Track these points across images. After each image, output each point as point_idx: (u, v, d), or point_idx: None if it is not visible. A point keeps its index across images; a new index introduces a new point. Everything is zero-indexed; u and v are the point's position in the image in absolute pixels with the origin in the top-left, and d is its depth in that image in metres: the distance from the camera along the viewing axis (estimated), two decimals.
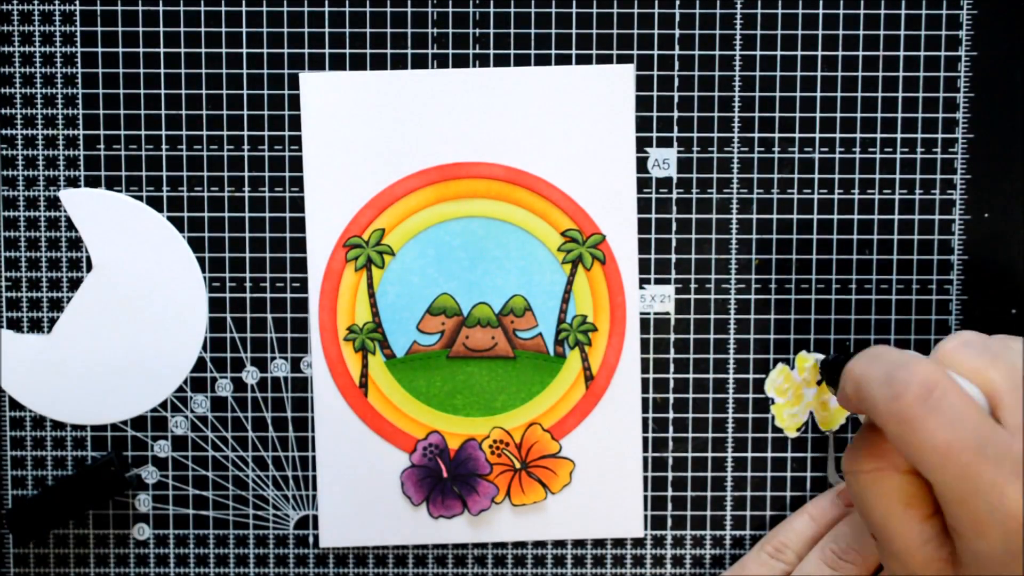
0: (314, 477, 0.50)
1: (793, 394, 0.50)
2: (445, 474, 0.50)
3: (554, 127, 0.49)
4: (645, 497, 0.51)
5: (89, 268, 0.50)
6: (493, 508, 0.50)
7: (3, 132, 0.49)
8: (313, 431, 0.50)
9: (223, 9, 0.49)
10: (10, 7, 0.49)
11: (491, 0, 0.49)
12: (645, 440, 0.51)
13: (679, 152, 0.50)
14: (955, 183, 0.50)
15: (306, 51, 0.49)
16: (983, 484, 0.35)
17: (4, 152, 0.50)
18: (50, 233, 0.50)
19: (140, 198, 0.50)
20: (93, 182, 0.50)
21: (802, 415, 0.50)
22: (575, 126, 0.49)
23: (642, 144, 0.50)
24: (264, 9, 0.49)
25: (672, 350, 0.50)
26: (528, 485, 0.50)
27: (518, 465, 0.50)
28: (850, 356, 0.44)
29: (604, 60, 0.49)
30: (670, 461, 0.51)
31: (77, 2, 0.49)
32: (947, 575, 0.38)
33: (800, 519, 0.49)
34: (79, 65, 0.49)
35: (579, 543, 0.51)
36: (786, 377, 0.50)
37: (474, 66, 0.49)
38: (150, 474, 0.51)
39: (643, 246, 0.50)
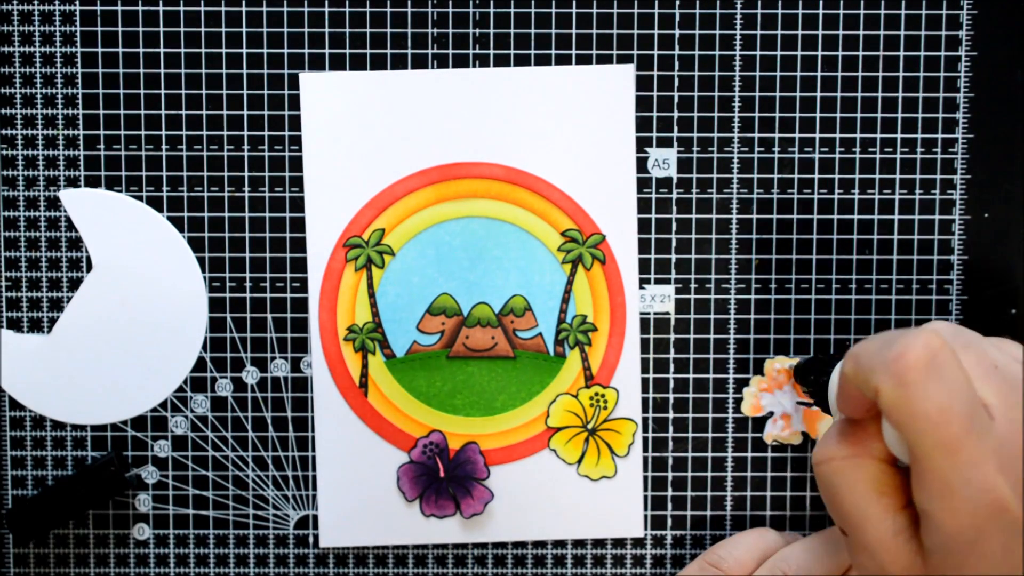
0: (314, 477, 0.50)
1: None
2: (442, 473, 0.50)
3: (554, 127, 0.49)
4: (645, 497, 0.51)
5: (89, 268, 0.50)
6: (487, 510, 0.50)
7: (3, 132, 0.49)
8: (313, 431, 0.50)
9: (223, 9, 0.49)
10: (10, 7, 0.49)
11: (491, 0, 0.49)
12: (645, 440, 0.51)
13: (679, 152, 0.50)
14: (955, 183, 0.50)
15: (306, 51, 0.49)
16: (963, 457, 0.35)
17: (4, 152, 0.50)
18: (50, 233, 0.50)
19: (140, 198, 0.50)
20: (93, 182, 0.50)
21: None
22: (575, 126, 0.49)
23: (642, 144, 0.50)
24: (264, 9, 0.49)
25: (672, 350, 0.50)
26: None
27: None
28: (823, 358, 0.45)
29: (604, 60, 0.49)
30: (670, 461, 0.51)
31: (77, 2, 0.49)
32: (915, 572, 0.38)
33: (749, 537, 0.48)
34: (79, 65, 0.49)
35: (579, 543, 0.51)
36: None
37: (474, 66, 0.49)
38: (150, 474, 0.51)
39: (643, 246, 0.50)
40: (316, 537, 0.51)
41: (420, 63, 0.49)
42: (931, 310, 0.50)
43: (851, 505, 0.38)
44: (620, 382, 0.50)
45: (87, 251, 0.50)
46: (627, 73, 0.49)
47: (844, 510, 0.39)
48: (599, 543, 0.51)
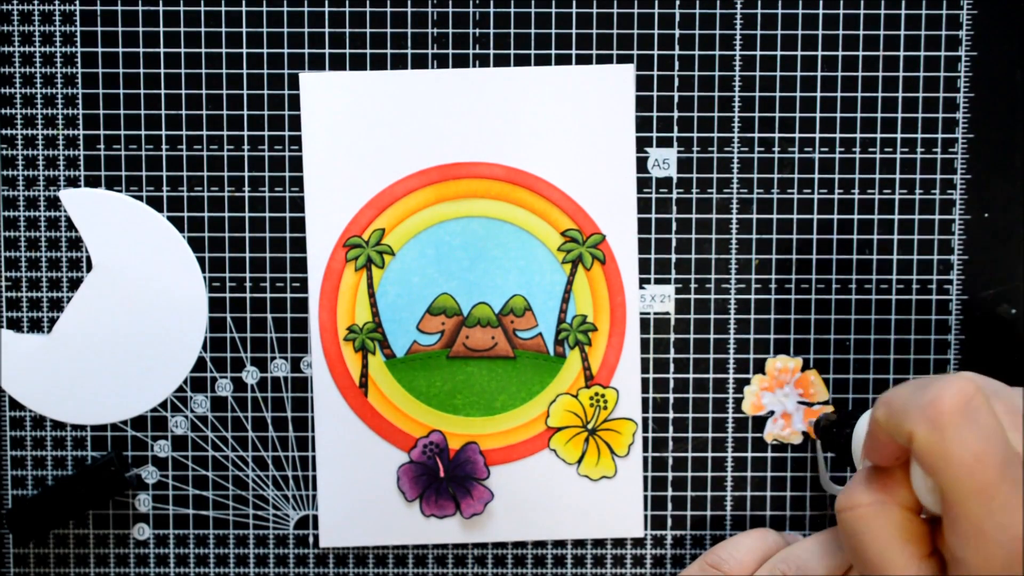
0: (314, 477, 0.50)
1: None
2: (442, 473, 0.50)
3: (554, 127, 0.49)
4: (645, 497, 0.51)
5: (89, 268, 0.50)
6: (487, 510, 0.50)
7: (3, 132, 0.50)
8: (313, 431, 0.50)
9: (223, 9, 0.49)
10: (10, 7, 0.49)
11: (491, 0, 0.49)
12: (645, 440, 0.51)
13: (679, 152, 0.50)
14: (955, 183, 0.50)
15: (306, 51, 0.49)
16: (998, 502, 0.35)
17: (4, 152, 0.50)
18: (50, 233, 0.50)
19: (140, 198, 0.50)
20: (93, 182, 0.50)
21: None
22: (575, 126, 0.49)
23: (642, 144, 0.50)
24: (264, 9, 0.49)
25: (672, 350, 0.50)
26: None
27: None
28: (845, 412, 0.45)
29: (604, 60, 0.49)
30: (670, 461, 0.51)
31: (77, 2, 0.49)
32: None
33: (750, 538, 0.48)
34: (79, 65, 0.49)
35: (579, 543, 0.51)
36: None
37: (474, 66, 0.49)
38: (150, 474, 0.51)
39: (643, 246, 0.50)
40: (316, 537, 0.51)
41: (420, 63, 0.49)
42: (931, 310, 0.50)
43: (875, 552, 0.38)
44: (620, 382, 0.50)
45: (87, 251, 0.50)
46: (627, 73, 0.49)
47: (867, 557, 0.38)
48: (599, 543, 0.51)
